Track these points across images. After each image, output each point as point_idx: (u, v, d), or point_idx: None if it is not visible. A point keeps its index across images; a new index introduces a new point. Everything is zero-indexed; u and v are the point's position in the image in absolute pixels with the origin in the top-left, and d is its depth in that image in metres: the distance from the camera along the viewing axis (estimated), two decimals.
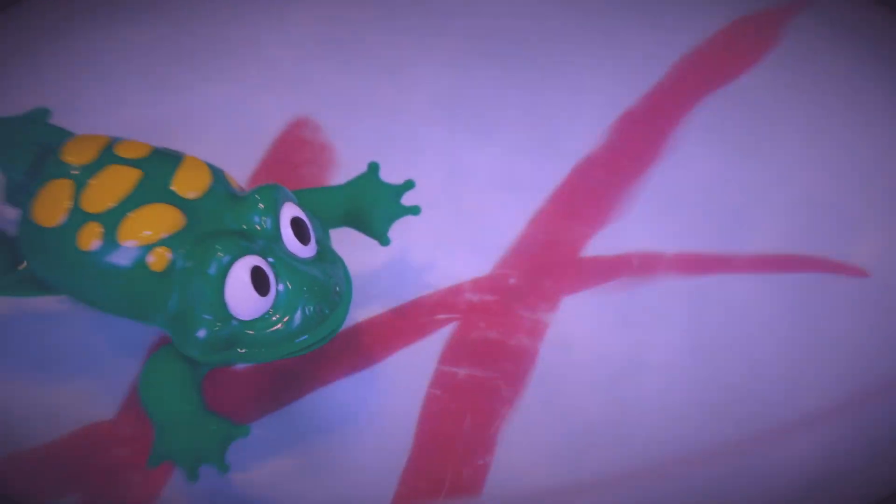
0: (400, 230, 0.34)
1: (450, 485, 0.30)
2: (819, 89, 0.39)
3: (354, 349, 0.33)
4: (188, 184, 0.30)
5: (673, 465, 0.25)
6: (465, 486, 0.30)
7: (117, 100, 0.39)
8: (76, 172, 0.30)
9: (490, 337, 0.32)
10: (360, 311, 0.33)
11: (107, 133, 0.33)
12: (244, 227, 0.29)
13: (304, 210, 0.30)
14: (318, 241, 0.30)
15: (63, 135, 0.33)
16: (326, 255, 0.30)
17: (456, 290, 0.33)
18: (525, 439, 0.31)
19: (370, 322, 0.33)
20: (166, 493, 0.29)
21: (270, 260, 0.28)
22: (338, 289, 0.29)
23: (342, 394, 0.32)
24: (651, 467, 0.25)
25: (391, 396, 0.32)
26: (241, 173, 0.34)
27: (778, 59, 0.39)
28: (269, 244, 0.28)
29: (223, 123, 0.37)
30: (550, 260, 0.34)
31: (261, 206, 0.29)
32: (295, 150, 0.36)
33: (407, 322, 0.33)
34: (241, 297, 0.28)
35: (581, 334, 0.33)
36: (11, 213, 0.32)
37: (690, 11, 0.40)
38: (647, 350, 0.32)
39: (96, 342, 0.33)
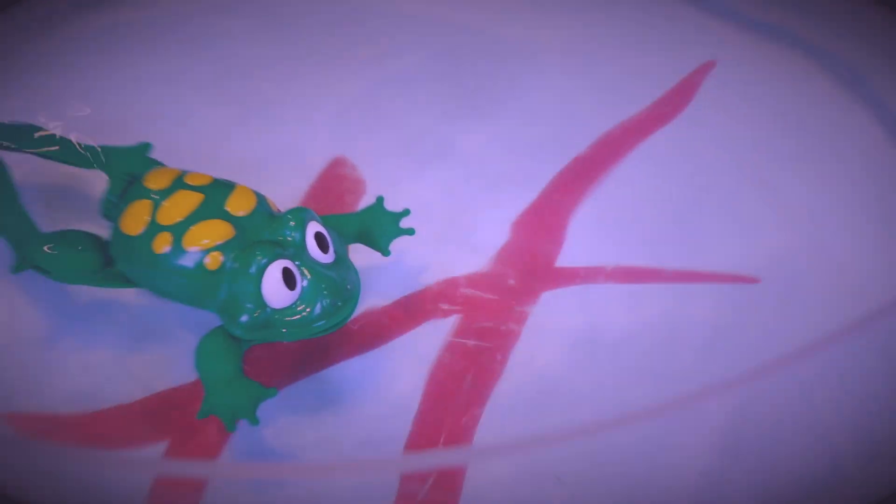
0: (416, 241, 0.36)
1: (448, 430, 0.32)
2: (727, 131, 0.39)
3: (374, 331, 0.35)
4: (238, 205, 0.32)
5: (615, 421, 0.25)
6: (461, 432, 0.32)
7: (192, 140, 0.40)
8: (155, 196, 0.33)
9: (486, 326, 0.35)
10: (380, 301, 0.36)
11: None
12: (279, 238, 0.31)
13: (326, 227, 0.32)
14: (335, 251, 0.32)
15: (148, 165, 0.35)
16: (342, 262, 0.32)
17: (454, 283, 0.36)
18: (508, 395, 0.33)
19: (388, 308, 0.35)
20: (234, 438, 0.32)
21: (297, 263, 0.31)
22: (349, 287, 0.31)
23: (361, 363, 0.34)
24: (599, 421, 0.25)
25: (403, 365, 0.34)
26: (294, 198, 0.38)
27: (692, 114, 0.40)
28: (297, 252, 0.31)
29: (282, 161, 0.39)
30: (535, 267, 0.36)
31: (292, 223, 0.31)
32: (335, 182, 0.38)
33: (417, 309, 0.35)
34: (274, 290, 0.31)
35: (552, 319, 0.35)
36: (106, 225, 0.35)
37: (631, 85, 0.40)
38: (598, 331, 0.35)
39: (170, 323, 0.35)
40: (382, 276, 0.36)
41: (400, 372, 0.34)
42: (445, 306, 0.35)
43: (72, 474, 0.28)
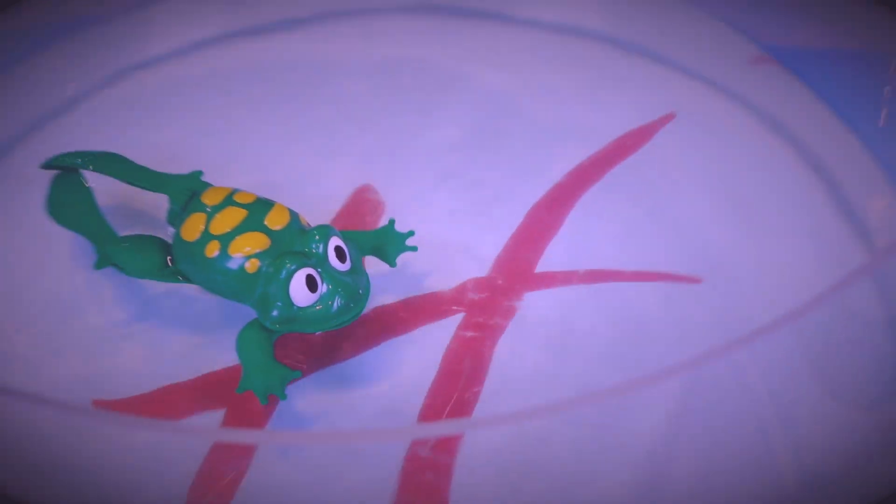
0: (431, 251, 0.36)
1: (453, 404, 0.32)
2: (682, 163, 0.38)
3: (394, 324, 0.34)
4: (275, 220, 0.32)
5: (581, 399, 0.25)
6: (463, 406, 0.32)
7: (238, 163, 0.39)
8: (208, 210, 0.33)
9: (480, 321, 0.34)
10: (402, 298, 0.35)
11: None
12: (306, 249, 0.31)
13: (345, 241, 0.32)
14: (352, 261, 0.32)
15: (205, 185, 0.35)
16: (357, 270, 0.32)
17: (463, 287, 0.35)
18: (499, 373, 0.33)
19: (408, 306, 0.35)
20: (278, 410, 0.32)
21: (319, 271, 0.30)
22: (360, 291, 0.31)
23: (386, 349, 0.34)
24: (568, 399, 0.25)
25: (421, 351, 0.33)
26: (328, 215, 0.37)
27: (650, 149, 0.39)
28: (320, 261, 0.31)
29: (317, 186, 0.38)
30: (520, 272, 0.35)
31: (317, 237, 0.31)
32: (361, 205, 0.37)
33: (432, 308, 0.35)
34: (299, 292, 0.30)
35: (534, 313, 0.34)
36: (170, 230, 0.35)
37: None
38: (570, 324, 0.34)
39: (219, 314, 0.34)
40: (410, 281, 0.36)
41: (417, 357, 0.33)
42: (455, 307, 0.35)
43: (145, 440, 0.28)
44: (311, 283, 0.30)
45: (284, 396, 0.30)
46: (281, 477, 0.29)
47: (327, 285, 0.31)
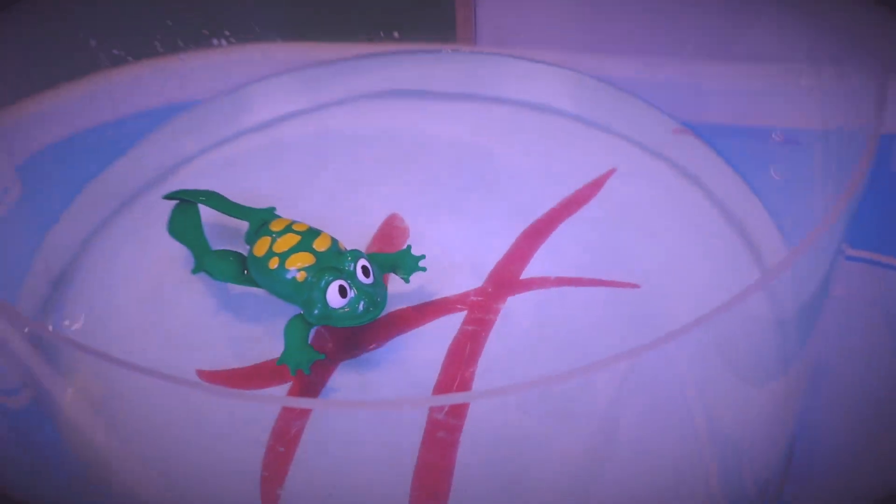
0: (443, 268, 0.34)
1: (458, 381, 0.31)
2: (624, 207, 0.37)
3: (417, 319, 0.33)
4: (320, 245, 0.31)
5: (549, 379, 0.21)
6: (465, 382, 0.31)
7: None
8: (273, 234, 0.32)
9: (477, 317, 0.33)
10: (416, 302, 0.33)
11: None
12: (340, 267, 0.30)
13: (370, 261, 0.31)
14: (374, 277, 0.31)
15: (273, 216, 0.34)
16: (378, 284, 0.31)
17: (466, 294, 0.34)
18: (488, 355, 0.31)
19: (423, 307, 0.33)
20: (330, 382, 0.31)
21: (349, 282, 0.30)
22: (378, 299, 0.30)
23: (405, 339, 0.32)
24: (540, 376, 0.21)
25: (431, 340, 0.32)
26: (365, 239, 0.35)
27: (602, 195, 0.38)
28: (350, 276, 0.30)
29: (358, 216, 0.37)
30: (506, 280, 0.34)
31: (349, 259, 0.30)
32: (390, 231, 0.36)
33: (446, 308, 0.33)
34: (333, 298, 0.30)
35: (514, 312, 0.33)
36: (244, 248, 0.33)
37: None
38: (543, 319, 0.32)
39: (278, 309, 0.33)
40: (427, 290, 0.34)
41: (432, 345, 0.32)
42: (459, 306, 0.34)
43: (233, 404, 0.26)
44: (343, 291, 0.30)
45: (308, 372, 0.30)
46: (330, 433, 0.28)
47: (354, 293, 0.30)
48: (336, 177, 0.38)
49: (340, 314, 0.30)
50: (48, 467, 0.29)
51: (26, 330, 0.23)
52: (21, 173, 0.34)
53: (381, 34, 0.40)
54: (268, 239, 0.32)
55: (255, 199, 0.36)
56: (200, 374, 0.31)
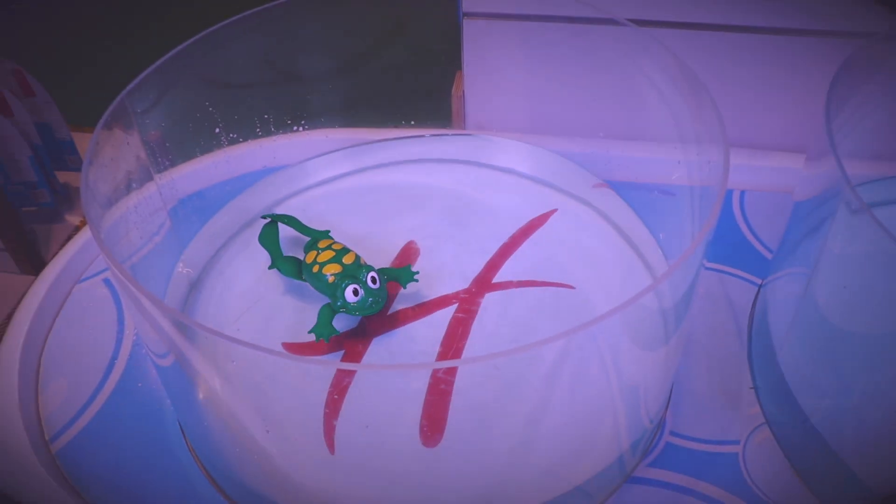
0: (442, 276, 0.33)
1: (451, 352, 0.30)
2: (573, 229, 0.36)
3: (427, 310, 0.32)
4: (347, 259, 0.31)
5: (510, 350, 0.20)
6: (456, 354, 0.30)
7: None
8: (319, 249, 0.31)
9: (464, 307, 0.32)
10: (426, 300, 0.32)
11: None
12: (357, 275, 0.30)
13: (378, 273, 0.30)
14: (379, 283, 0.30)
15: (325, 236, 0.33)
16: (382, 288, 0.30)
17: (457, 294, 0.33)
18: (473, 335, 0.31)
19: (430, 303, 0.32)
20: (371, 347, 0.30)
21: (361, 286, 0.29)
22: (379, 299, 0.30)
23: (419, 325, 0.31)
24: (505, 350, 0.20)
25: (432, 324, 0.31)
26: (389, 258, 0.34)
27: (548, 224, 0.37)
28: (363, 282, 0.29)
29: (384, 243, 0.35)
30: (484, 283, 0.33)
31: (364, 270, 0.30)
32: (407, 252, 0.35)
33: (442, 303, 0.32)
34: (349, 295, 0.29)
35: (490, 305, 0.32)
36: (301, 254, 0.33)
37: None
38: (508, 309, 0.32)
39: (317, 300, 0.32)
40: (435, 290, 0.33)
41: (434, 328, 0.31)
42: (453, 300, 0.33)
43: (304, 367, 0.26)
44: (356, 292, 0.30)
45: (328, 340, 0.30)
46: (368, 385, 0.28)
47: (363, 293, 0.30)
48: (372, 213, 0.38)
49: (353, 306, 0.30)
50: (181, 403, 0.29)
51: (171, 317, 0.23)
52: (171, 214, 0.34)
53: (402, 122, 0.41)
54: (314, 252, 0.32)
55: (318, 224, 0.36)
56: (284, 345, 0.31)
